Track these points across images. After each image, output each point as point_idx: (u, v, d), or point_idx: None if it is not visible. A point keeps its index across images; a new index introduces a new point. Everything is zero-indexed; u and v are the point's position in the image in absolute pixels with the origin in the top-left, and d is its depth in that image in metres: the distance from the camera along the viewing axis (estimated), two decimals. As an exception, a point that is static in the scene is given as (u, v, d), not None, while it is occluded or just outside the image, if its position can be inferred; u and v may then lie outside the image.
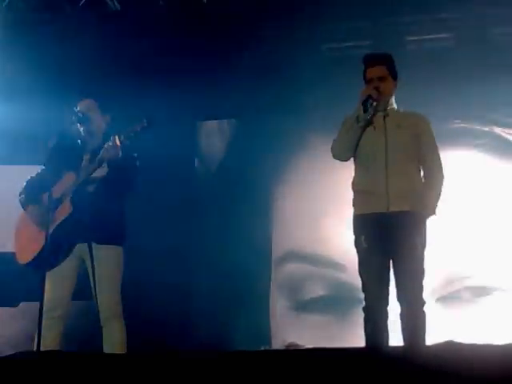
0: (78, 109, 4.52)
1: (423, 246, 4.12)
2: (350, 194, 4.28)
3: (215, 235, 6.34)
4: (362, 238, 4.14)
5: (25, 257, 4.48)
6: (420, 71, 5.76)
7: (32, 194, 4.53)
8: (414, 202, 4.12)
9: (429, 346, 3.79)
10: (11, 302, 6.18)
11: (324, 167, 5.96)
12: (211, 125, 6.77)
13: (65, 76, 6.02)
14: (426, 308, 4.08)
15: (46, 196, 4.24)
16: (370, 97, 4.12)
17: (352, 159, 4.29)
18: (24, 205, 4.56)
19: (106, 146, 4.32)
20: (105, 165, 4.36)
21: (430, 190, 4.18)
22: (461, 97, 5.93)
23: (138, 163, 4.59)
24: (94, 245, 4.39)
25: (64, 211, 4.41)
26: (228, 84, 6.23)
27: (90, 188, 4.43)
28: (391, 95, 4.28)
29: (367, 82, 4.23)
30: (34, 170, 4.61)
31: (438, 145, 4.26)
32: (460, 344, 3.06)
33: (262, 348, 5.73)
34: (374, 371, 2.85)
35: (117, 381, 3.03)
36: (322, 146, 5.42)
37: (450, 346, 3.05)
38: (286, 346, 5.63)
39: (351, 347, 3.91)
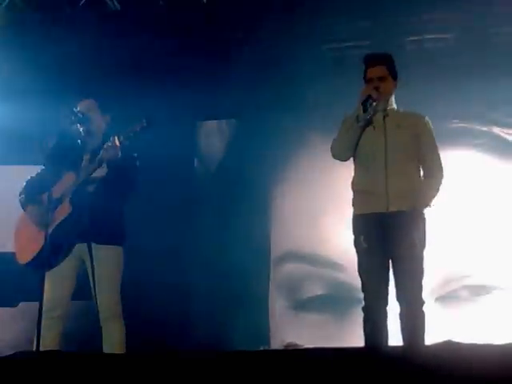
0: (78, 109, 4.52)
1: (422, 245, 4.13)
2: (350, 194, 4.28)
3: (214, 235, 6.34)
4: (362, 237, 4.14)
5: (24, 257, 4.49)
6: (420, 71, 5.77)
7: (32, 194, 4.53)
8: (413, 202, 4.13)
9: (428, 346, 3.79)
10: (11, 302, 6.18)
11: (323, 166, 5.95)
12: (210, 124, 6.77)
13: (65, 76, 6.02)
14: (425, 308, 4.08)
15: (45, 196, 4.24)
16: (369, 97, 4.12)
17: (352, 159, 4.30)
18: (24, 205, 4.56)
19: (105, 146, 4.32)
20: (104, 165, 4.36)
21: (429, 188, 4.18)
22: (460, 96, 5.93)
23: (137, 163, 4.59)
24: (93, 245, 4.38)
25: (63, 211, 4.41)
26: (228, 83, 6.23)
27: (90, 188, 4.43)
28: (391, 95, 4.28)
29: (367, 81, 4.23)
30: (33, 170, 4.61)
31: (437, 144, 4.27)
32: (459, 344, 3.06)
33: (261, 348, 5.73)
34: (374, 371, 2.86)
35: (116, 381, 3.03)
36: (321, 145, 5.43)
37: (449, 345, 3.05)
38: (285, 346, 5.63)
39: (351, 347, 3.91)
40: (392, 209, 4.10)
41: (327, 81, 6.01)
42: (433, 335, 4.02)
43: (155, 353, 3.31)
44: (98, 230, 4.37)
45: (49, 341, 4.25)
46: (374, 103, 4.14)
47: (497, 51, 5.93)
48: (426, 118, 4.29)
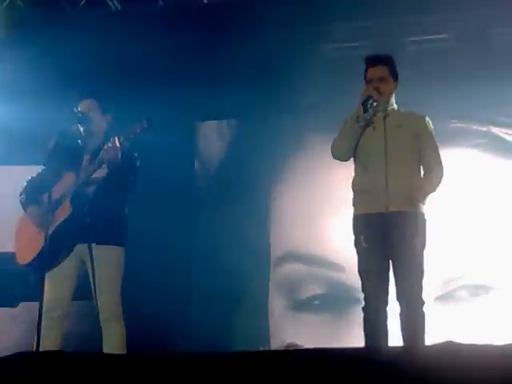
0: (79, 109, 4.52)
1: (423, 246, 4.13)
2: (348, 194, 4.28)
3: (214, 235, 6.34)
4: (362, 237, 4.15)
5: (25, 257, 4.48)
6: (419, 71, 5.77)
7: (32, 195, 4.53)
8: (413, 202, 4.13)
9: (428, 346, 3.79)
10: (11, 302, 6.18)
11: (322, 167, 5.97)
12: (210, 125, 6.77)
13: (65, 76, 6.01)
14: (425, 308, 4.09)
15: (46, 196, 4.24)
16: (370, 97, 4.13)
17: (351, 159, 4.30)
18: (24, 205, 4.56)
19: (105, 147, 4.31)
20: (105, 165, 4.36)
21: (428, 183, 4.19)
22: (459, 96, 5.94)
23: (138, 163, 4.59)
24: (93, 245, 4.38)
25: (64, 212, 4.41)
26: (227, 84, 6.23)
27: (90, 189, 4.43)
28: (391, 96, 4.29)
29: (368, 82, 4.24)
30: (34, 171, 4.61)
31: (437, 144, 4.28)
32: (459, 344, 3.06)
33: (261, 348, 5.73)
34: (374, 371, 2.85)
35: (117, 381, 3.03)
36: (320, 146, 5.45)
37: (449, 346, 3.05)
38: (286, 347, 5.63)
39: (351, 347, 3.91)
40: (392, 209, 4.10)
41: (327, 81, 6.00)
42: (433, 335, 4.02)
43: (155, 353, 3.30)
44: (99, 230, 4.37)
45: (49, 341, 4.24)
46: (375, 103, 4.15)
47: (496, 52, 5.93)
48: (427, 118, 4.30)
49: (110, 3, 6.25)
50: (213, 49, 6.24)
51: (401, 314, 4.07)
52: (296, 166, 6.40)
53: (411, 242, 4.08)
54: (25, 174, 4.70)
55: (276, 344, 6.03)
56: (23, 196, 4.58)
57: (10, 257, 4.66)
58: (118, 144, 4.27)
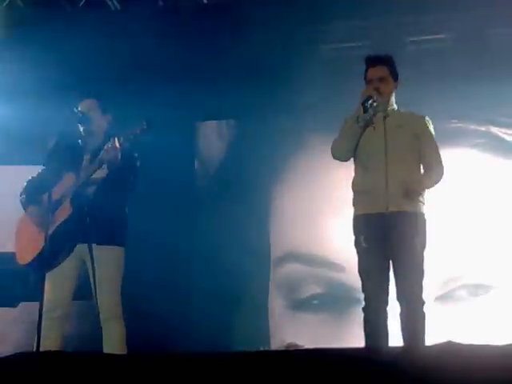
0: (79, 109, 4.53)
1: (423, 246, 4.13)
2: (348, 194, 4.28)
3: (214, 235, 6.33)
4: (362, 238, 4.15)
5: (25, 257, 4.48)
6: (419, 71, 5.77)
7: (32, 195, 4.53)
8: (413, 203, 4.13)
9: (428, 346, 3.79)
10: (11, 303, 6.18)
11: (322, 167, 5.97)
12: (210, 125, 6.77)
13: (65, 76, 6.01)
14: (425, 308, 4.09)
15: (46, 197, 4.24)
16: (370, 97, 4.13)
17: (351, 159, 4.30)
18: (24, 205, 4.56)
19: (105, 147, 4.31)
20: (105, 166, 4.36)
21: (427, 179, 4.20)
22: (458, 96, 5.94)
23: (138, 163, 4.59)
24: (94, 246, 4.38)
25: (64, 212, 4.41)
26: (227, 84, 6.23)
27: (90, 189, 4.43)
28: (391, 96, 4.29)
29: (368, 82, 4.25)
30: (34, 171, 4.61)
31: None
32: (459, 344, 3.06)
33: (262, 348, 5.73)
34: (374, 371, 2.85)
35: (117, 381, 3.03)
36: (320, 146, 5.44)
37: (449, 346, 3.05)
38: (286, 347, 5.63)
39: (351, 347, 3.91)
40: (392, 209, 4.10)
41: (325, 81, 6.00)
42: (433, 335, 4.02)
43: (155, 353, 3.30)
44: (99, 230, 4.36)
45: (49, 341, 4.24)
46: (375, 104, 4.15)
47: (494, 52, 5.94)
48: (427, 118, 4.30)
49: (110, 3, 6.25)
50: (212, 49, 6.24)
51: (401, 314, 4.07)
52: (296, 166, 6.40)
53: (411, 242, 4.08)
54: (25, 173, 4.70)
55: (276, 344, 6.03)
56: (23, 196, 4.57)
57: (10, 257, 4.66)
58: (117, 145, 4.27)
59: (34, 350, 4.07)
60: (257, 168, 6.40)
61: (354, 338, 4.33)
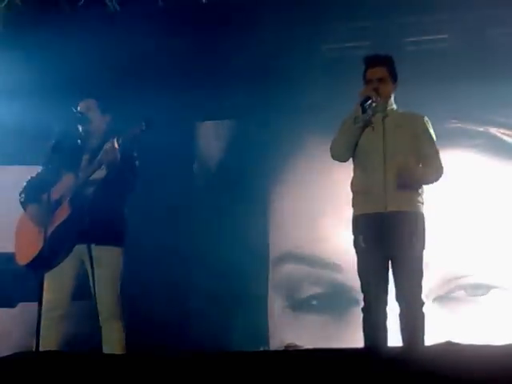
0: (78, 109, 4.53)
1: (422, 246, 4.13)
2: (348, 195, 4.28)
3: (213, 235, 6.33)
4: (361, 238, 4.15)
5: (24, 257, 4.48)
6: (418, 71, 5.76)
7: (32, 195, 4.53)
8: (412, 203, 4.13)
9: (428, 346, 3.79)
10: (11, 303, 6.18)
11: (322, 167, 5.96)
12: (210, 125, 6.77)
13: (64, 76, 6.01)
14: (424, 308, 4.09)
15: (45, 197, 4.25)
16: (368, 98, 4.13)
17: (351, 160, 4.30)
18: (24, 205, 4.56)
19: (104, 148, 4.31)
20: (104, 166, 4.36)
21: (424, 174, 4.18)
22: (458, 97, 5.94)
23: (137, 163, 4.59)
24: (93, 246, 4.38)
25: (63, 213, 4.41)
26: (227, 84, 6.23)
27: (89, 189, 4.42)
28: (390, 97, 4.28)
29: (366, 82, 4.24)
30: (34, 171, 4.62)
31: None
32: (459, 344, 3.07)
33: (261, 348, 5.73)
34: (373, 372, 2.86)
35: (116, 381, 3.04)
36: (319, 146, 5.44)
37: (448, 346, 3.05)
38: (285, 347, 5.63)
39: (350, 348, 3.90)
40: (390, 209, 4.10)
41: (326, 81, 6.00)
42: (432, 335, 4.02)
43: (154, 353, 3.31)
44: (98, 231, 4.36)
45: (48, 341, 4.24)
46: (373, 104, 4.14)
47: (495, 52, 5.93)
48: (426, 118, 4.30)
49: (109, 3, 6.24)
50: (212, 49, 6.24)
51: (400, 315, 4.07)
52: (296, 167, 6.40)
53: (410, 242, 4.08)
54: (25, 173, 4.71)
55: (275, 344, 6.03)
56: (23, 196, 4.58)
57: (10, 257, 4.66)
58: (117, 145, 4.27)
59: (34, 349, 4.07)
60: (257, 168, 6.40)
61: (354, 339, 4.33)
